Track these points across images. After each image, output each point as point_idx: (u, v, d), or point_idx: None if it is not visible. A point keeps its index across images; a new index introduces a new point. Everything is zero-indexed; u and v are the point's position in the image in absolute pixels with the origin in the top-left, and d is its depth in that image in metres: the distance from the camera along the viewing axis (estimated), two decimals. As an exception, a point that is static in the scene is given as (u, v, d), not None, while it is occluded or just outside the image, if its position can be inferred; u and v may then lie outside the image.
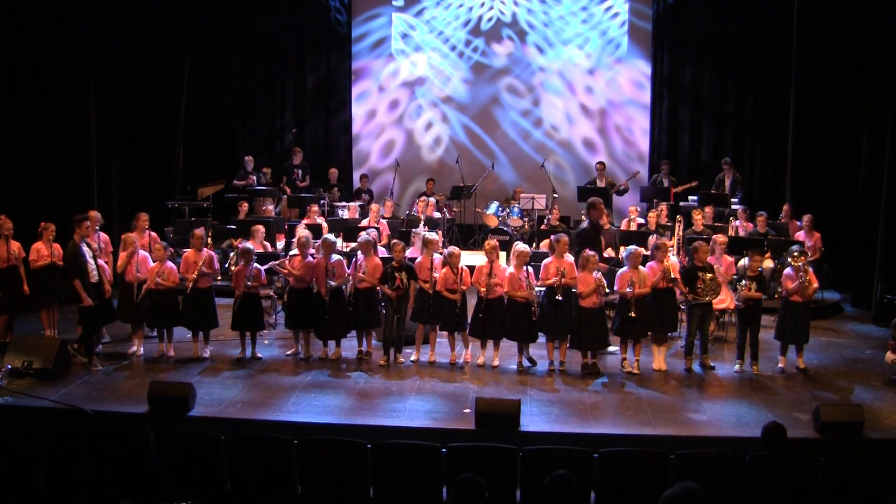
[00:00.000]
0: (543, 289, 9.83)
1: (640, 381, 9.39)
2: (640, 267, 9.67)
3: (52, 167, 12.89)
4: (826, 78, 14.00)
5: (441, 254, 10.25)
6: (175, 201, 14.67)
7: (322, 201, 14.70)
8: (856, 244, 13.32)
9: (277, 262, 10.47)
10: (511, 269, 9.73)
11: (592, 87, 17.01)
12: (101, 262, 9.82)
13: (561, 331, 9.66)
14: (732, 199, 14.46)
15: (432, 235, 10.23)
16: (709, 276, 9.47)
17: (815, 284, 9.65)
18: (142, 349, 10.14)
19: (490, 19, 17.02)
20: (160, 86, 15.45)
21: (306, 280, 9.90)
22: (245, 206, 14.12)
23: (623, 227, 13.64)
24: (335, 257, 10.00)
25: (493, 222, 14.81)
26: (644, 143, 16.97)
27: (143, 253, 10.22)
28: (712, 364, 9.68)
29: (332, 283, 9.82)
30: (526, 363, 9.74)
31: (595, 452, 6.58)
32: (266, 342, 10.60)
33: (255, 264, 9.95)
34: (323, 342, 10.10)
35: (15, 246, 10.21)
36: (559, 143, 17.06)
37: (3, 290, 10.14)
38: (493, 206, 14.96)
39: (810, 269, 9.66)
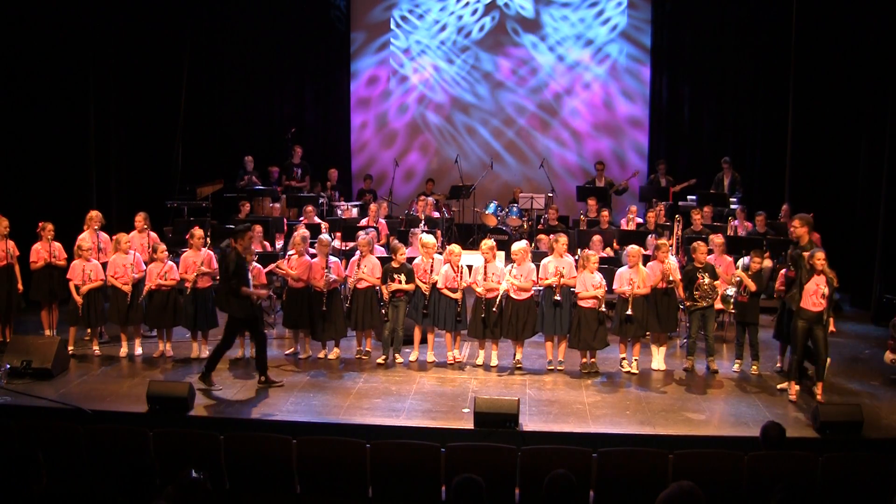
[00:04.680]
0: (541, 289, 9.84)
1: (639, 381, 9.40)
2: (641, 267, 9.66)
3: (51, 166, 12.87)
4: (825, 77, 14.00)
5: (440, 254, 10.25)
6: (174, 201, 14.65)
7: (321, 201, 14.69)
8: (855, 244, 13.32)
9: (275, 263, 10.45)
10: (508, 267, 9.74)
11: (590, 88, 17.00)
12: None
13: (559, 330, 9.67)
14: (731, 199, 14.46)
15: (429, 238, 10.22)
16: (706, 280, 9.45)
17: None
18: (138, 350, 10.14)
19: (489, 19, 17.00)
20: (159, 85, 15.42)
21: (304, 280, 9.90)
22: (247, 206, 14.11)
23: (622, 227, 13.64)
24: (332, 258, 10.00)
25: (492, 222, 14.81)
26: (643, 143, 16.96)
27: (135, 254, 10.22)
28: (716, 368, 9.65)
29: (332, 276, 9.81)
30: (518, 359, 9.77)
31: (594, 452, 6.59)
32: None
33: (256, 264, 9.95)
34: (322, 343, 10.11)
35: (10, 245, 10.19)
36: (557, 145, 17.08)
37: (0, 290, 10.13)
38: (492, 206, 14.96)
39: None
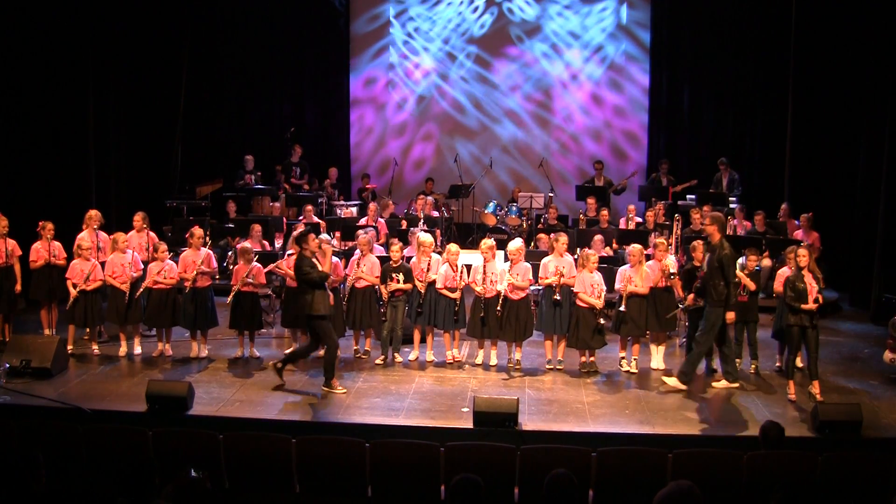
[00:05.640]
0: (541, 288, 9.84)
1: (638, 380, 9.40)
2: (644, 266, 9.66)
3: (51, 166, 12.86)
4: (824, 76, 13.99)
5: (438, 252, 10.25)
6: (173, 200, 14.66)
7: (320, 200, 14.69)
8: (854, 243, 13.32)
9: (275, 263, 10.43)
10: (506, 266, 9.74)
11: (590, 88, 17.00)
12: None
13: (558, 329, 9.67)
14: (731, 199, 14.46)
15: (426, 237, 10.22)
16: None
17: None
18: (137, 349, 10.13)
19: (489, 17, 16.99)
20: (158, 84, 15.42)
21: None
22: (233, 206, 14.08)
23: (621, 226, 13.65)
24: (332, 258, 10.00)
25: (491, 221, 14.81)
26: (642, 142, 16.97)
27: (133, 254, 10.21)
28: (715, 367, 9.66)
29: (332, 276, 9.81)
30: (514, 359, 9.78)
31: (593, 451, 6.59)
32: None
33: (257, 263, 9.94)
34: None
35: (10, 244, 10.18)
36: (559, 147, 17.08)
37: (1, 289, 10.12)
38: (492, 206, 14.97)
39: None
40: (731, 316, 8.94)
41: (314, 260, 8.95)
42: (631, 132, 17.02)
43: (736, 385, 9.08)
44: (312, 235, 9.16)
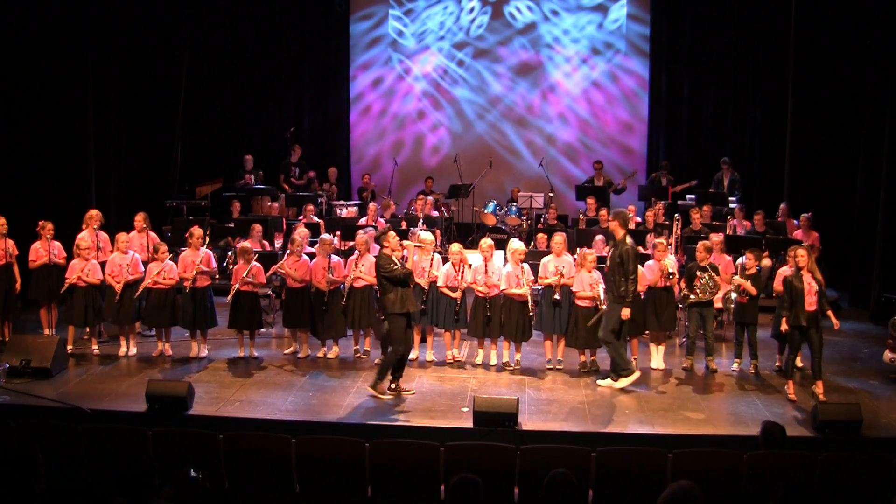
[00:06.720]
0: (541, 287, 9.84)
1: (637, 380, 9.38)
2: (639, 266, 9.67)
3: (51, 166, 12.86)
4: (824, 76, 14.00)
5: (439, 252, 10.24)
6: (173, 200, 14.65)
7: (319, 199, 14.69)
8: (853, 243, 13.32)
9: (276, 264, 10.42)
10: (508, 268, 9.73)
11: (590, 87, 16.99)
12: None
13: (558, 329, 9.67)
14: (731, 198, 14.47)
15: (427, 235, 10.21)
16: (708, 276, 9.45)
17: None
18: (134, 349, 10.12)
19: (487, 16, 17.00)
20: (158, 84, 15.41)
21: (305, 279, 9.90)
22: (237, 206, 14.08)
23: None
24: (334, 258, 10.00)
25: (491, 221, 14.81)
26: (642, 142, 16.97)
27: (133, 254, 10.21)
28: (715, 367, 9.66)
29: (332, 276, 9.81)
30: (512, 362, 9.77)
31: (593, 451, 6.59)
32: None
33: (256, 263, 9.94)
34: (321, 342, 10.10)
35: (9, 244, 10.17)
36: (558, 148, 17.08)
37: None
38: (491, 205, 14.97)
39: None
40: (626, 313, 8.90)
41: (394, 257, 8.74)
42: (630, 131, 17.00)
43: (618, 386, 9.01)
44: (392, 233, 8.85)
